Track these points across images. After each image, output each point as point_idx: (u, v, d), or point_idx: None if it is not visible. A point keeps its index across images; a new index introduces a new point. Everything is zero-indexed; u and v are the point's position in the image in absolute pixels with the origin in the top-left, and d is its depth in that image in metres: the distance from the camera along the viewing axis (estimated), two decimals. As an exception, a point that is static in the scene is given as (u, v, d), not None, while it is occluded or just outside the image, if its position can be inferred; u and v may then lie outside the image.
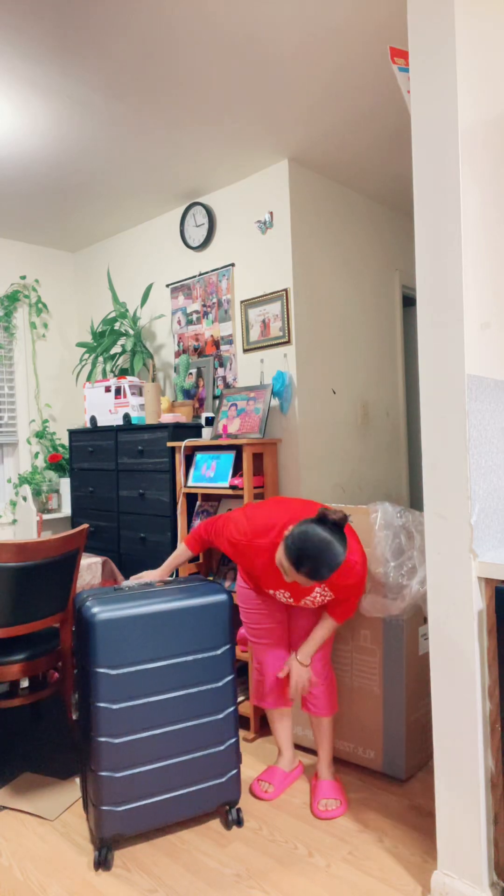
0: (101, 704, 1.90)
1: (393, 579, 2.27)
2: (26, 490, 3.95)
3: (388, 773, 2.33)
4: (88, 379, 3.86)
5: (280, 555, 1.89)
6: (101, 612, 1.92)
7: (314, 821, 2.12)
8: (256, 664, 2.34)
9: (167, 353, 3.84)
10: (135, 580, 2.26)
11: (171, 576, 2.82)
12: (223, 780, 2.08)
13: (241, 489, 2.81)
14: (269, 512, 2.09)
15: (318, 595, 2.09)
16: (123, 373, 3.96)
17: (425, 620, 2.40)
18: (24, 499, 3.94)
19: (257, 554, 2.07)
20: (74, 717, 2.67)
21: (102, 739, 1.90)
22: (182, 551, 2.29)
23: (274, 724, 2.36)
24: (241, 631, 2.74)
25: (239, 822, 2.10)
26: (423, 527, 2.32)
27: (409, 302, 4.19)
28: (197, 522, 3.05)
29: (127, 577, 3.36)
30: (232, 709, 2.10)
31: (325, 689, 2.25)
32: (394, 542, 2.32)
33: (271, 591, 2.16)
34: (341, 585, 2.04)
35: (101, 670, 1.90)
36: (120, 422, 3.49)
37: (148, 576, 2.30)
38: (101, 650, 1.91)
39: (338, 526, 1.88)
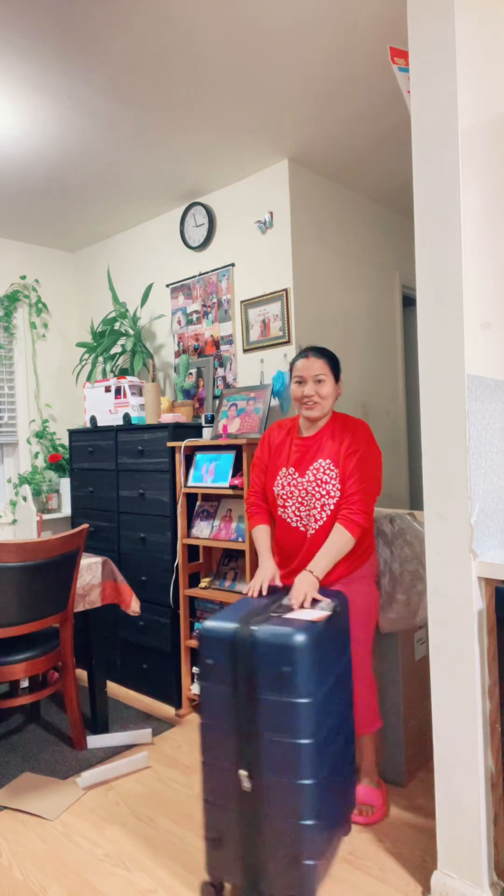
0: (306, 741, 1.64)
1: (387, 593, 2.27)
2: (26, 490, 3.95)
3: (388, 780, 2.33)
4: (88, 379, 3.86)
5: (291, 384, 2.20)
6: (300, 635, 1.67)
7: (314, 821, 2.12)
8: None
9: (167, 353, 3.84)
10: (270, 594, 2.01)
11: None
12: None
13: (241, 489, 2.81)
14: None
15: (324, 469, 2.10)
16: (123, 373, 3.96)
17: (420, 626, 2.40)
18: (24, 499, 3.94)
19: (272, 437, 2.29)
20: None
21: (308, 782, 1.64)
22: (261, 532, 2.21)
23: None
24: None
25: None
26: (416, 537, 2.32)
27: (409, 302, 4.19)
28: (197, 523, 3.05)
29: (127, 577, 3.35)
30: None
31: (363, 703, 2.12)
32: (385, 555, 2.31)
33: (279, 480, 2.18)
34: (348, 452, 2.09)
35: (304, 700, 1.65)
36: (120, 422, 3.49)
37: (263, 579, 2.04)
38: (303, 675, 1.65)
39: None
